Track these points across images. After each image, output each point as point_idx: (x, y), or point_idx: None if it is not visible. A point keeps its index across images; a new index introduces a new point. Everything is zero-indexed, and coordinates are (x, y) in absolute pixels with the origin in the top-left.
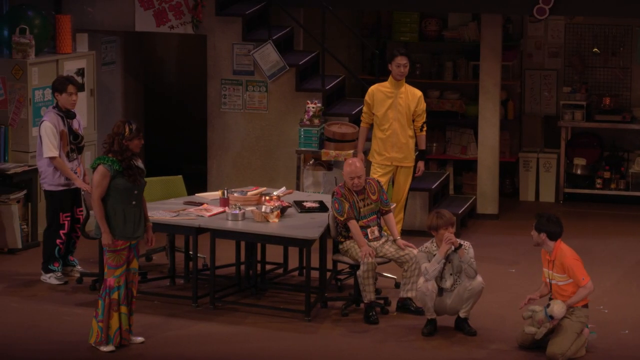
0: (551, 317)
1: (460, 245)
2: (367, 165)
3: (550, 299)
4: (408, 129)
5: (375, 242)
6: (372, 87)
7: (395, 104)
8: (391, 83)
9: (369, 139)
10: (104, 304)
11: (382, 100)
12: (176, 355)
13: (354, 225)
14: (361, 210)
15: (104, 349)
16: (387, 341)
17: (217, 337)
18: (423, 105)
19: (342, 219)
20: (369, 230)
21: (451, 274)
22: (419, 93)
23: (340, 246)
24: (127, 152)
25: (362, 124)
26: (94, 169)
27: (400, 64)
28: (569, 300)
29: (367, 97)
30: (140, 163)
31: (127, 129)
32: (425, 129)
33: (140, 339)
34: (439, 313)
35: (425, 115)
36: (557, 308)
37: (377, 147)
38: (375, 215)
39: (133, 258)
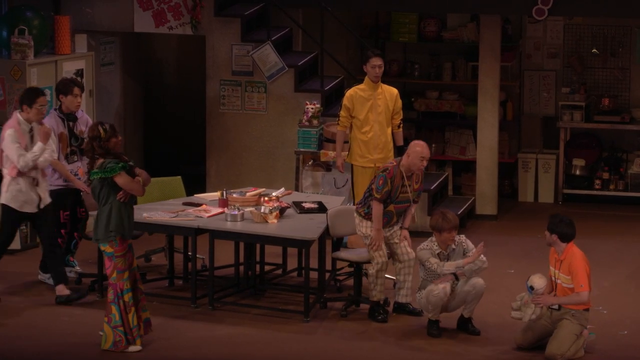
0: (531, 287)
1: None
2: (348, 167)
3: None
4: (387, 128)
5: (387, 231)
6: (350, 91)
7: (375, 106)
8: (368, 85)
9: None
10: (119, 308)
11: (361, 104)
12: (175, 356)
13: (379, 207)
14: (400, 196)
15: (131, 349)
16: (387, 341)
17: (216, 338)
18: (400, 103)
19: (378, 196)
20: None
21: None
22: (395, 91)
23: (358, 220)
24: (112, 151)
25: (339, 127)
26: (103, 178)
27: (375, 65)
28: (559, 299)
29: (346, 102)
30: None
31: (101, 131)
32: (402, 125)
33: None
34: (441, 312)
35: (402, 113)
36: (537, 279)
37: (359, 149)
38: (408, 204)
39: (132, 257)
